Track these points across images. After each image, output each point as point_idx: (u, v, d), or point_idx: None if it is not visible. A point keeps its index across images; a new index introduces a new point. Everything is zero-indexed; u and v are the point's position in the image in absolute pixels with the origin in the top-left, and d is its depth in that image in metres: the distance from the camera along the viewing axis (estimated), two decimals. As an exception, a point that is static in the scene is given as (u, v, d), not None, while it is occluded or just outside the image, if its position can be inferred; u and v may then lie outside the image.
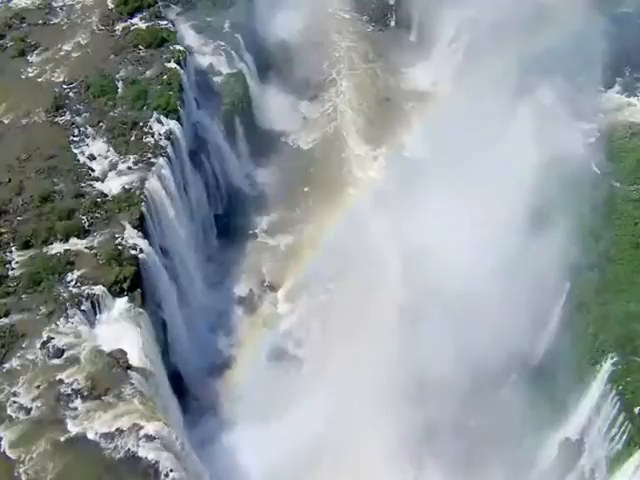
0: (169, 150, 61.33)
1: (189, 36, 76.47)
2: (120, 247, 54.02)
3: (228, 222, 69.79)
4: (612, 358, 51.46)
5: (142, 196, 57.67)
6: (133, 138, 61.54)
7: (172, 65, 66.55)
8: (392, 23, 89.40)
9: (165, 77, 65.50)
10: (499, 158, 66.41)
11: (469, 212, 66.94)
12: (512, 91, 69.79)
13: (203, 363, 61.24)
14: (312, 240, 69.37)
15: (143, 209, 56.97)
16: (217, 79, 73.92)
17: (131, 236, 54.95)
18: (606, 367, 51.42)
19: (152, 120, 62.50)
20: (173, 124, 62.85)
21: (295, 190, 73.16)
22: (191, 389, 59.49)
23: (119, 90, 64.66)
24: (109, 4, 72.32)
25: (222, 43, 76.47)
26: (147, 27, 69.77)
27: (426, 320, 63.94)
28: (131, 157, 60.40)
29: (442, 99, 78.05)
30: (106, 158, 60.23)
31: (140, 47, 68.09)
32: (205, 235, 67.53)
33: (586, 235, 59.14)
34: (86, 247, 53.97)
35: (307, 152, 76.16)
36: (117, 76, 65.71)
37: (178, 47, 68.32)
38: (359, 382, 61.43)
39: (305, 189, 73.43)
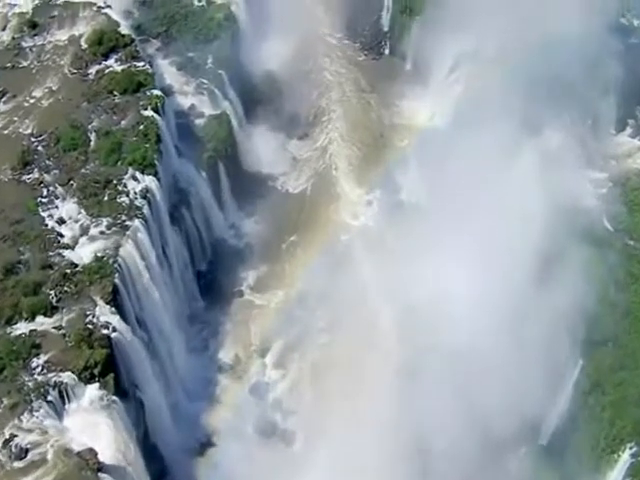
0: (145, 210, 56.82)
1: (169, 74, 71.79)
2: (91, 326, 49.75)
3: (212, 279, 65.33)
4: (631, 448, 47.06)
5: (116, 265, 53.35)
6: (106, 198, 56.99)
7: (149, 113, 61.73)
8: (386, 51, 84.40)
9: (141, 127, 60.75)
10: (502, 206, 62.01)
11: (470, 263, 62.47)
12: (515, 129, 64.95)
13: (185, 441, 56.82)
14: (302, 295, 64.85)
15: (116, 281, 52.63)
16: (199, 122, 69.18)
17: (103, 313, 50.65)
18: (624, 458, 47.03)
19: (127, 177, 57.91)
20: (149, 181, 58.26)
21: (284, 240, 68.66)
22: (172, 471, 55.19)
23: (91, 143, 59.95)
24: (82, 44, 67.08)
25: (204, 81, 71.65)
26: (123, 70, 64.73)
27: (425, 382, 59.73)
28: (104, 220, 55.88)
29: (440, 135, 73.03)
30: (77, 222, 55.72)
31: (115, 93, 63.15)
32: (187, 295, 63.10)
33: (599, 302, 54.46)
34: (54, 327, 49.60)
35: (296, 197, 71.47)
36: (90, 126, 60.91)
37: (156, 92, 63.44)
38: (356, 456, 57.21)
39: (294, 238, 68.82)
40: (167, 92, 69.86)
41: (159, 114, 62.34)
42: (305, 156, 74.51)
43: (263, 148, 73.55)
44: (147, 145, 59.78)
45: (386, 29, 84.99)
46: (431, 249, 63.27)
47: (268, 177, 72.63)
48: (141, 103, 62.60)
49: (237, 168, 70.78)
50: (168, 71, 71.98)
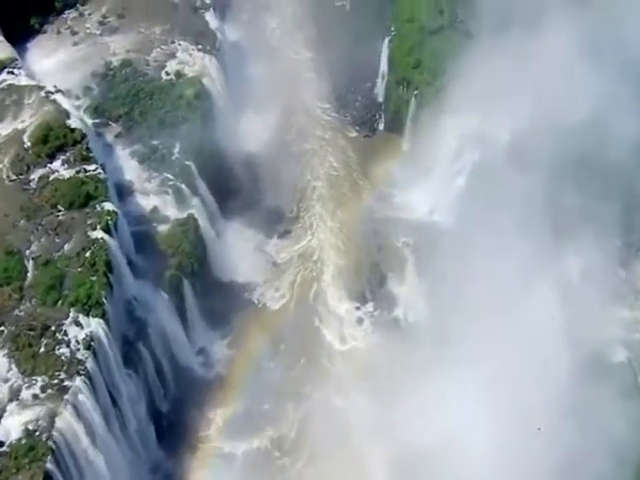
0: (89, 364, 47.82)
1: (129, 169, 62.37)
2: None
3: (175, 422, 55.87)
4: None
5: (50, 442, 44.32)
6: (43, 349, 48.03)
7: (98, 234, 52.43)
8: (381, 126, 74.61)
9: (88, 254, 51.45)
10: (516, 342, 52.94)
11: (480, 404, 53.40)
12: (530, 244, 55.51)
13: None
14: (279, 442, 55.48)
15: (49, 466, 43.57)
16: (162, 229, 59.64)
17: (30, 513, 41.53)
18: None
19: (68, 322, 48.84)
20: (95, 325, 49.14)
21: (260, 368, 59.12)
22: None
23: (29, 275, 50.86)
24: (25, 141, 57.84)
25: (170, 176, 62.16)
26: (70, 178, 55.33)
27: None
28: (39, 379, 47.07)
29: (443, 236, 63.45)
30: (6, 382, 47.07)
31: (59, 207, 53.94)
32: (145, 447, 53.67)
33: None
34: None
35: (275, 313, 61.86)
36: (27, 252, 51.88)
37: (107, 207, 53.99)
38: None
39: (271, 366, 59.37)
40: (125, 192, 61.08)
41: (110, 234, 53.04)
42: (286, 259, 64.76)
43: (238, 251, 64.14)
44: (94, 278, 50.52)
45: (380, 100, 75.28)
46: (434, 382, 54.50)
47: (244, 288, 62.97)
48: (89, 222, 53.33)
49: (207, 280, 61.23)
50: (128, 165, 62.50)
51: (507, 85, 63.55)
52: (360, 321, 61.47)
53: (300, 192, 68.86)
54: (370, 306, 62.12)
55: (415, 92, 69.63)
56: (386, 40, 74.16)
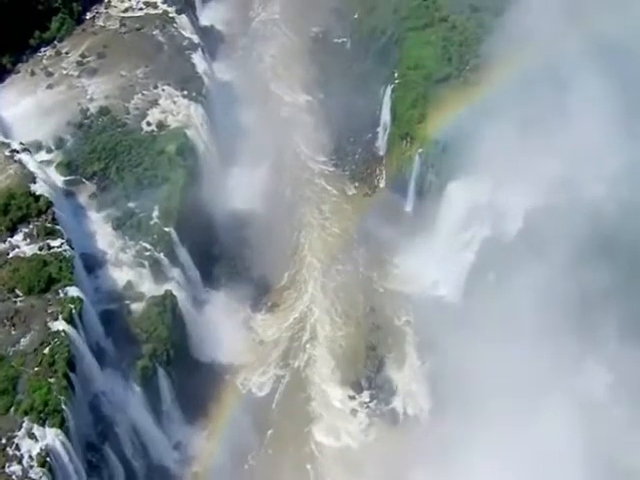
0: (45, 483, 41.62)
1: (103, 236, 56.50)
2: None
3: (145, 534, 49.99)
4: None
5: None
6: (-10, 468, 41.83)
7: (59, 326, 46.35)
8: (382, 183, 68.63)
9: (47, 351, 45.33)
10: (524, 453, 47.09)
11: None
12: (547, 344, 49.57)
13: None
14: None
15: None
16: (136, 309, 53.57)
17: None
18: None
19: (21, 434, 42.62)
20: (53, 437, 43.06)
21: (241, 464, 52.93)
22: None
23: (-21, 379, 44.70)
24: (-16, 211, 51.90)
25: (147, 245, 56.23)
26: (31, 256, 49.29)
27: None
28: (-16, 506, 40.81)
29: (448, 314, 57.56)
30: (-54, 508, 40.70)
31: (17, 292, 47.82)
32: None
33: None
34: None
35: (261, 401, 55.78)
36: (-22, 351, 45.80)
37: (71, 292, 47.88)
38: None
39: (253, 463, 53.17)
40: (97, 264, 55.25)
41: (74, 325, 47.00)
42: (274, 337, 58.71)
43: (221, 328, 58.02)
44: (52, 381, 44.44)
45: (382, 153, 69.46)
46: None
47: (226, 370, 56.86)
48: (50, 310, 47.31)
49: (185, 363, 55.15)
50: (101, 231, 56.64)
51: (524, 148, 57.59)
52: (354, 413, 55.38)
53: (292, 259, 62.93)
54: (366, 395, 56.10)
55: (420, 150, 63.59)
56: (389, 88, 68.28)
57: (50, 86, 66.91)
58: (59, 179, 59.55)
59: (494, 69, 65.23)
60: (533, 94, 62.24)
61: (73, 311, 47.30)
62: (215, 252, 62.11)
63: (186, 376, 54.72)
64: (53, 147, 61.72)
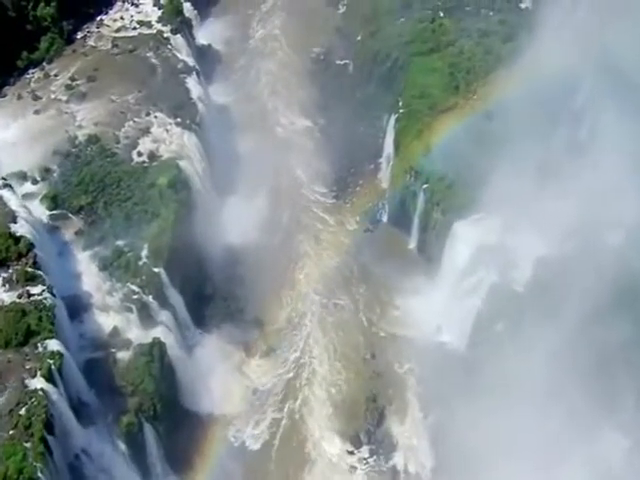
0: None
1: (88, 277, 53.42)
2: None
3: None
4: None
5: None
6: None
7: (37, 384, 43.24)
8: (384, 217, 65.46)
9: (23, 412, 42.22)
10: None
11: None
12: (560, 404, 46.52)
13: None
14: None
15: None
16: (123, 357, 50.39)
17: None
18: None
19: (-8, 510, 39.58)
20: (27, 510, 39.79)
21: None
22: None
23: (-51, 441, 41.60)
24: (-40, 254, 48.69)
25: (135, 288, 53.04)
26: (9, 305, 46.25)
27: None
28: None
29: (452, 361, 54.67)
30: None
31: (-6, 346, 44.80)
32: None
33: None
34: None
35: (255, 455, 52.58)
36: (-51, 409, 42.64)
37: (51, 346, 44.79)
38: None
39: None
40: (81, 308, 52.16)
41: (53, 382, 43.81)
42: (269, 385, 55.47)
43: (213, 375, 54.79)
44: (28, 446, 41.29)
45: (385, 186, 66.19)
46: None
47: (218, 421, 53.57)
48: (27, 366, 44.16)
49: (174, 415, 51.95)
50: (87, 271, 53.51)
51: (537, 188, 54.43)
52: (353, 470, 52.21)
53: (288, 299, 59.66)
54: (365, 450, 52.86)
55: (424, 185, 60.34)
56: (393, 117, 65.20)
57: (37, 111, 63.77)
58: (44, 213, 56.43)
59: (504, 100, 62.08)
60: (547, 128, 59.42)
61: (52, 367, 44.11)
62: (208, 291, 58.97)
63: (174, 429, 51.53)
64: (39, 178, 58.57)
